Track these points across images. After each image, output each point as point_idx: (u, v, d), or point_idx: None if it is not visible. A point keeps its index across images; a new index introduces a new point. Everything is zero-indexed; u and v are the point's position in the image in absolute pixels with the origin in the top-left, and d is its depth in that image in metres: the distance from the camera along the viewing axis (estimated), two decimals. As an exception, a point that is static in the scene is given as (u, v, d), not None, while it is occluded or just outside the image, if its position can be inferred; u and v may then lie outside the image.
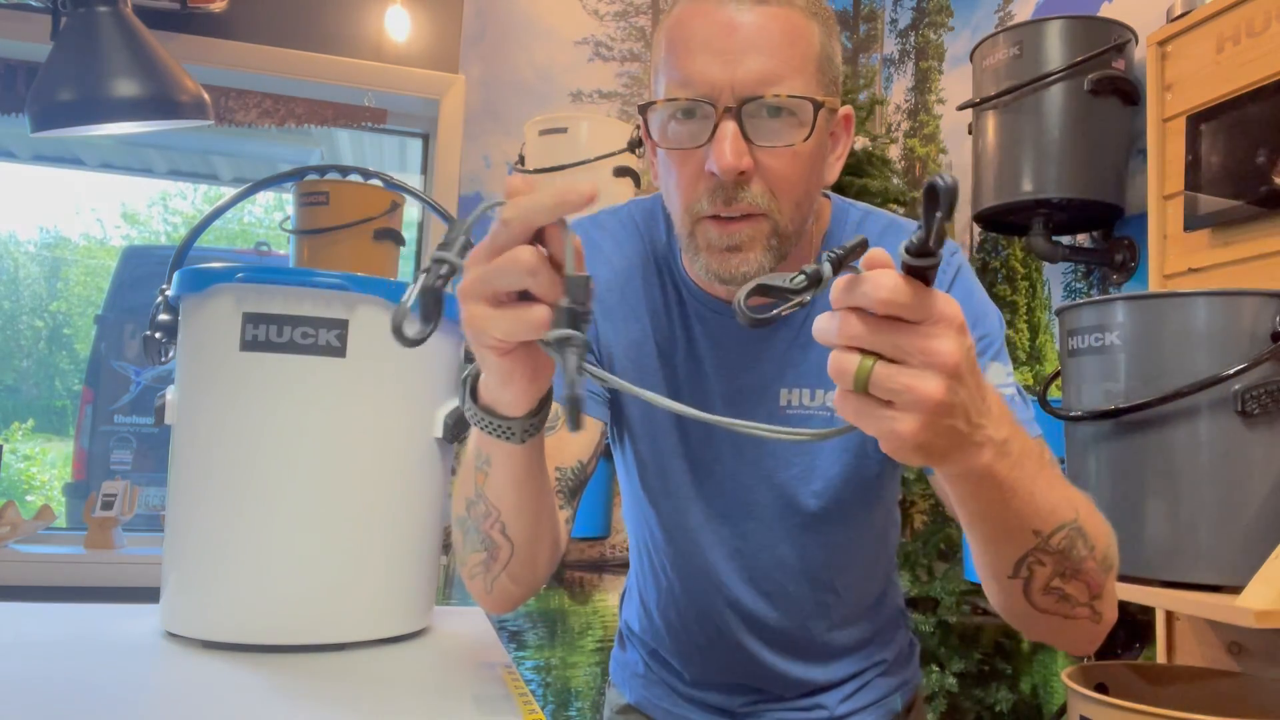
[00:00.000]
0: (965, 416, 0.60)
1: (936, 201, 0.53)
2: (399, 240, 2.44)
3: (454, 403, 1.01)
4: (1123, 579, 1.34)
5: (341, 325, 0.90)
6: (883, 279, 0.55)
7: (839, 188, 2.30)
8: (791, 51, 0.82)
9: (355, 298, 0.91)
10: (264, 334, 0.88)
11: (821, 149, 0.87)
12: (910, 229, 0.85)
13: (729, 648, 1.06)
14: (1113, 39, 1.87)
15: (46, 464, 6.23)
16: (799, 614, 1.04)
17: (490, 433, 0.72)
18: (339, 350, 0.90)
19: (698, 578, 1.04)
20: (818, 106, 0.82)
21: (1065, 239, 2.09)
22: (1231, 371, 1.25)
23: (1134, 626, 1.86)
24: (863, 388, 0.57)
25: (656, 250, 0.99)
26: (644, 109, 0.85)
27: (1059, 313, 1.48)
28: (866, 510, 1.02)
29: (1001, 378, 0.94)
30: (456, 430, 0.98)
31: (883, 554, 1.10)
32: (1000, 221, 2.07)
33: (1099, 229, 2.04)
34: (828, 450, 0.97)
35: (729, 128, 0.80)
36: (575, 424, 0.59)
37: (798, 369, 0.95)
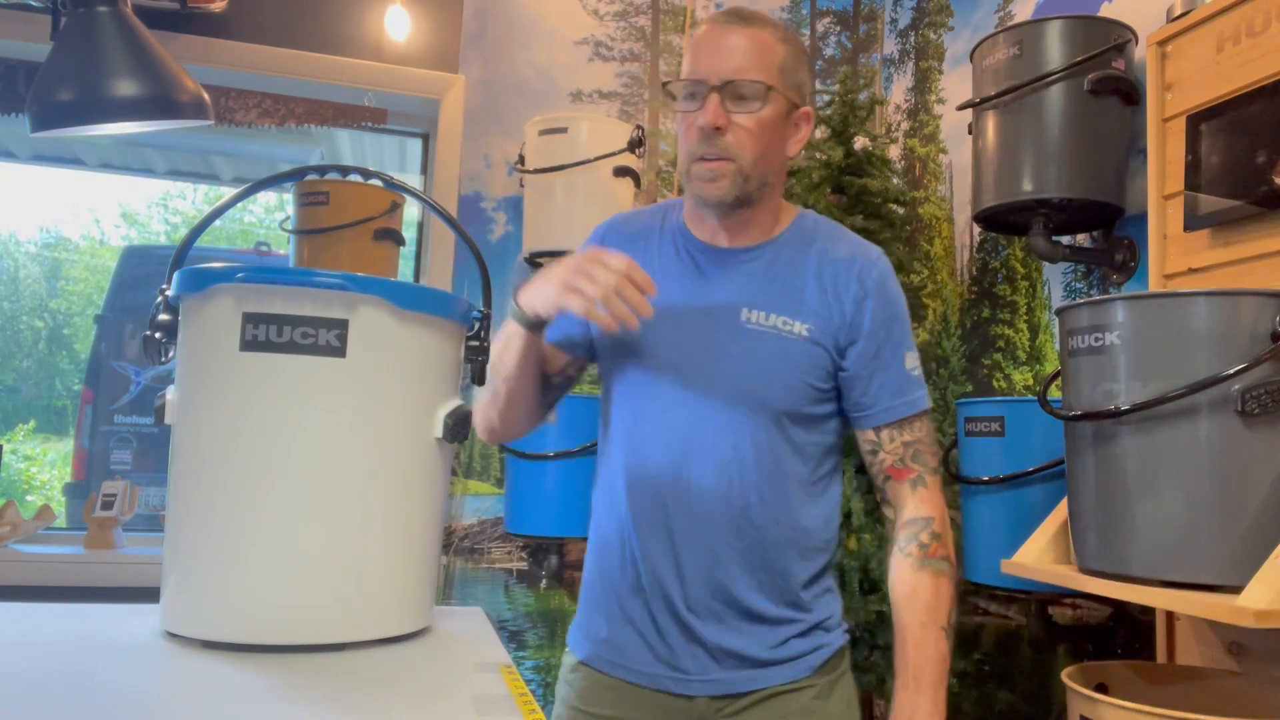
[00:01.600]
0: None
1: None
2: (399, 240, 2.44)
3: (454, 402, 1.01)
4: (1123, 579, 1.34)
5: (342, 325, 0.90)
6: None
7: (840, 188, 2.31)
8: (759, 57, 1.26)
9: (355, 298, 0.91)
10: (264, 334, 0.88)
11: (777, 124, 1.28)
12: (856, 257, 1.32)
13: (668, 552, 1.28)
14: (1113, 39, 1.87)
15: (46, 464, 6.23)
16: (723, 511, 1.27)
17: (518, 320, 1.22)
18: (339, 350, 0.90)
19: (648, 470, 1.29)
20: (768, 89, 1.26)
21: (1065, 239, 2.09)
22: (1231, 371, 1.25)
23: (1134, 626, 1.86)
24: None
25: (669, 221, 1.41)
26: (666, 85, 1.32)
27: (1059, 313, 1.48)
28: (791, 431, 1.29)
29: (913, 363, 1.33)
30: (456, 430, 0.98)
31: (807, 505, 1.31)
32: (1000, 221, 2.07)
33: (1099, 229, 2.04)
34: (778, 371, 1.28)
35: (714, 98, 1.25)
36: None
37: (756, 297, 1.30)
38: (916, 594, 1.24)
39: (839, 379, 1.30)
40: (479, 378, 1.11)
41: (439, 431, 0.98)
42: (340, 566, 0.92)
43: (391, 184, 1.40)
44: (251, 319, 0.89)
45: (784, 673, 1.28)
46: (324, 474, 0.91)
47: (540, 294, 1.19)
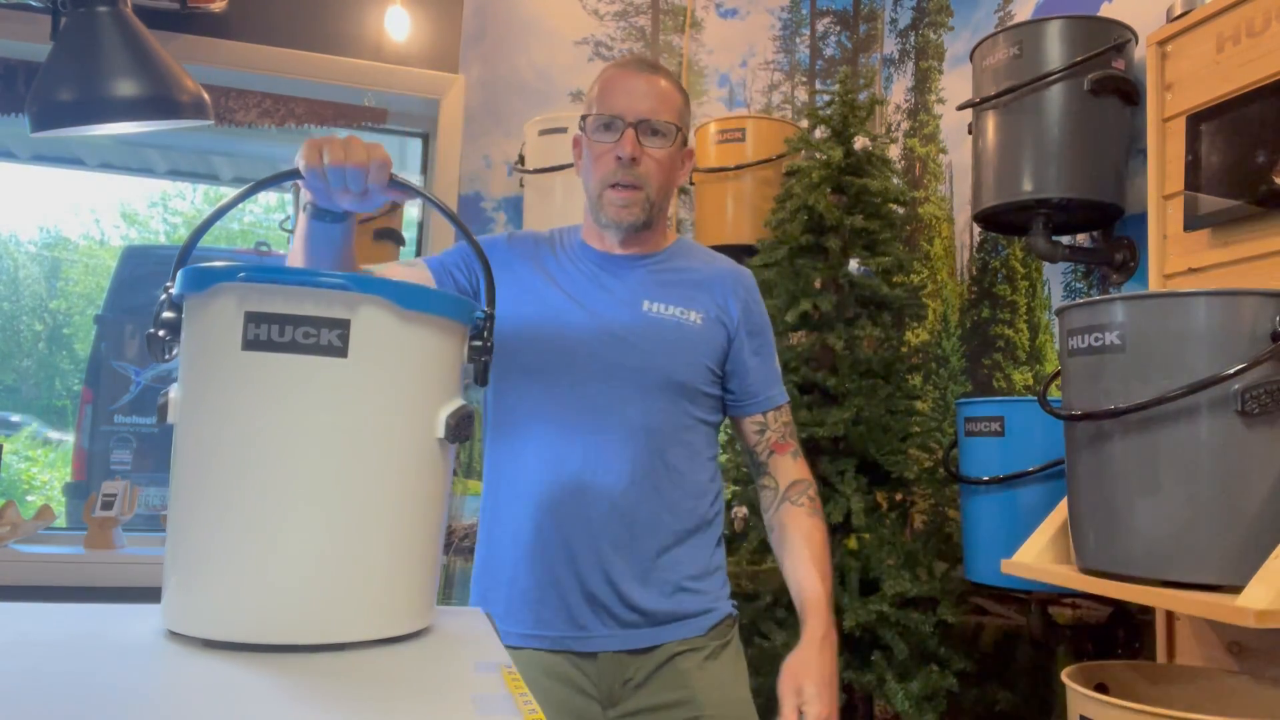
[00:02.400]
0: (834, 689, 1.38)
1: None
2: (399, 240, 2.44)
3: (457, 403, 1.01)
4: (1123, 578, 1.34)
5: (343, 325, 0.90)
6: None
7: (840, 188, 2.31)
8: (666, 101, 1.47)
9: (357, 298, 0.91)
10: (266, 333, 0.88)
11: (675, 160, 1.49)
12: (735, 270, 1.57)
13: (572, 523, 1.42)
14: (1113, 39, 1.87)
15: (47, 464, 6.22)
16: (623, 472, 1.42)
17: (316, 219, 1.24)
18: (340, 350, 0.89)
19: (566, 444, 1.43)
20: (678, 129, 1.48)
21: (1065, 239, 2.09)
22: (1231, 371, 1.25)
23: (1134, 626, 1.86)
24: None
25: (565, 239, 1.57)
26: (584, 118, 1.49)
27: (1059, 312, 1.48)
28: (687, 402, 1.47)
29: (780, 357, 1.61)
30: (458, 431, 0.98)
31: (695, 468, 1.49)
32: (1000, 221, 2.07)
33: (1099, 229, 2.04)
34: (680, 351, 1.47)
35: (630, 133, 1.44)
36: None
37: (655, 292, 1.49)
38: (814, 534, 1.48)
39: (726, 371, 1.51)
40: (481, 378, 1.11)
41: (441, 432, 0.98)
42: (342, 566, 0.91)
43: (394, 182, 1.40)
44: (254, 318, 0.88)
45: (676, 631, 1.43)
46: (326, 474, 0.91)
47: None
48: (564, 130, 2.46)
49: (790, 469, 1.53)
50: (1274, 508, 1.26)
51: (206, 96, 1.44)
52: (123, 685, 0.78)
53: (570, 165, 2.39)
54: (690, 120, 1.53)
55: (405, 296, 0.93)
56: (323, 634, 0.90)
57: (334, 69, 2.65)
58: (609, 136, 1.44)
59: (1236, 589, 1.19)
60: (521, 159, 2.57)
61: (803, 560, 1.44)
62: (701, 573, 1.47)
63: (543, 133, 2.49)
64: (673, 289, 1.49)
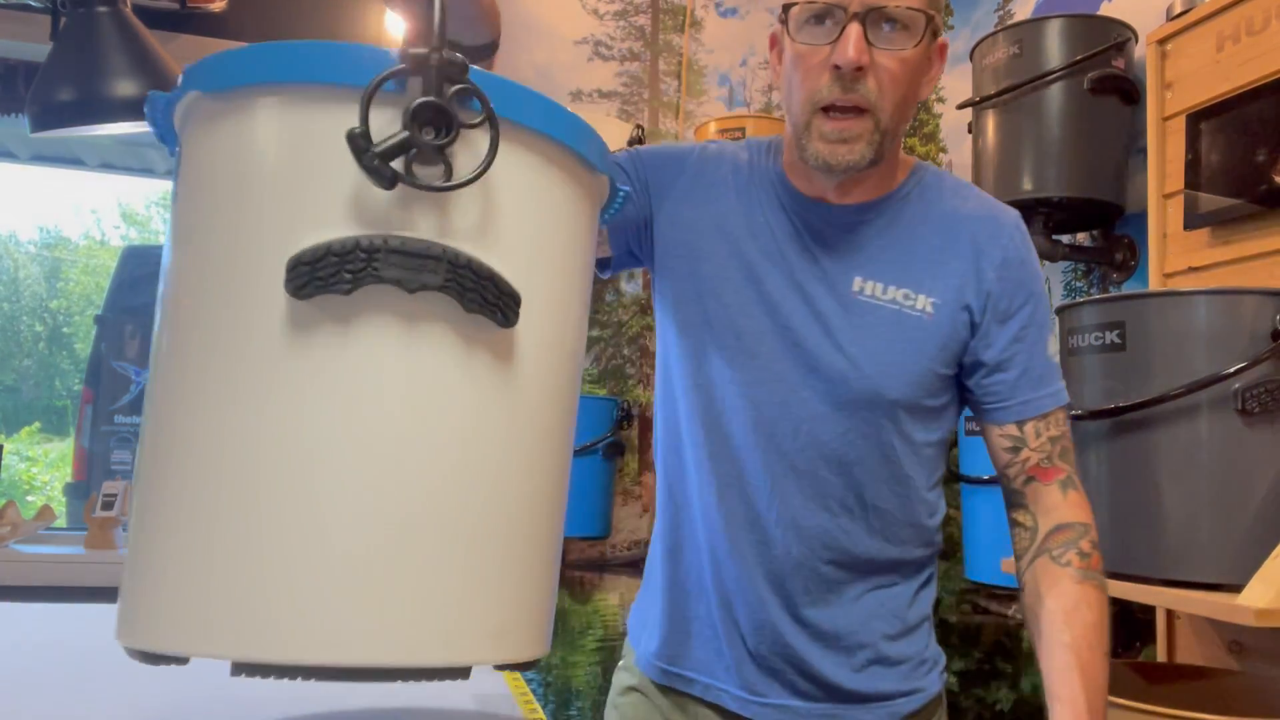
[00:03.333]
0: None
1: None
2: None
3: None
4: (1123, 577, 1.34)
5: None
6: None
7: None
8: None
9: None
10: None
11: (923, 63, 1.04)
12: (996, 217, 1.08)
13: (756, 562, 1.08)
14: (1112, 38, 1.87)
15: (47, 464, 6.23)
16: (824, 513, 1.08)
17: None
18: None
19: (736, 468, 1.09)
20: (929, 19, 1.01)
21: (1065, 238, 2.09)
22: (1232, 370, 1.25)
23: (1134, 625, 1.86)
24: None
25: (761, 166, 1.14)
26: (786, 8, 1.01)
27: (1059, 311, 1.48)
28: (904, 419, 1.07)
29: (1054, 346, 1.10)
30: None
31: (912, 506, 1.11)
32: (1000, 220, 2.07)
33: (1099, 228, 2.04)
34: (898, 355, 1.05)
35: (854, 29, 0.96)
36: None
37: (875, 262, 1.06)
38: (1081, 610, 1.01)
39: (964, 363, 1.08)
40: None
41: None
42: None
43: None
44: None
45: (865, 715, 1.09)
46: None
47: None
48: (564, 130, 2.46)
49: (1058, 506, 1.06)
50: (1274, 506, 1.26)
51: (206, 96, 1.44)
52: (122, 685, 0.78)
53: (570, 165, 2.38)
54: (941, 1, 1.08)
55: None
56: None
57: (334, 69, 2.65)
58: (823, 34, 0.98)
59: (1237, 588, 1.19)
60: (521, 158, 2.57)
61: (1058, 650, 1.00)
62: (901, 630, 1.11)
63: (542, 132, 2.49)
64: (900, 257, 1.06)
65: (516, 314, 0.59)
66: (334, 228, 0.57)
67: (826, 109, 0.99)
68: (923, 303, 1.05)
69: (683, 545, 1.14)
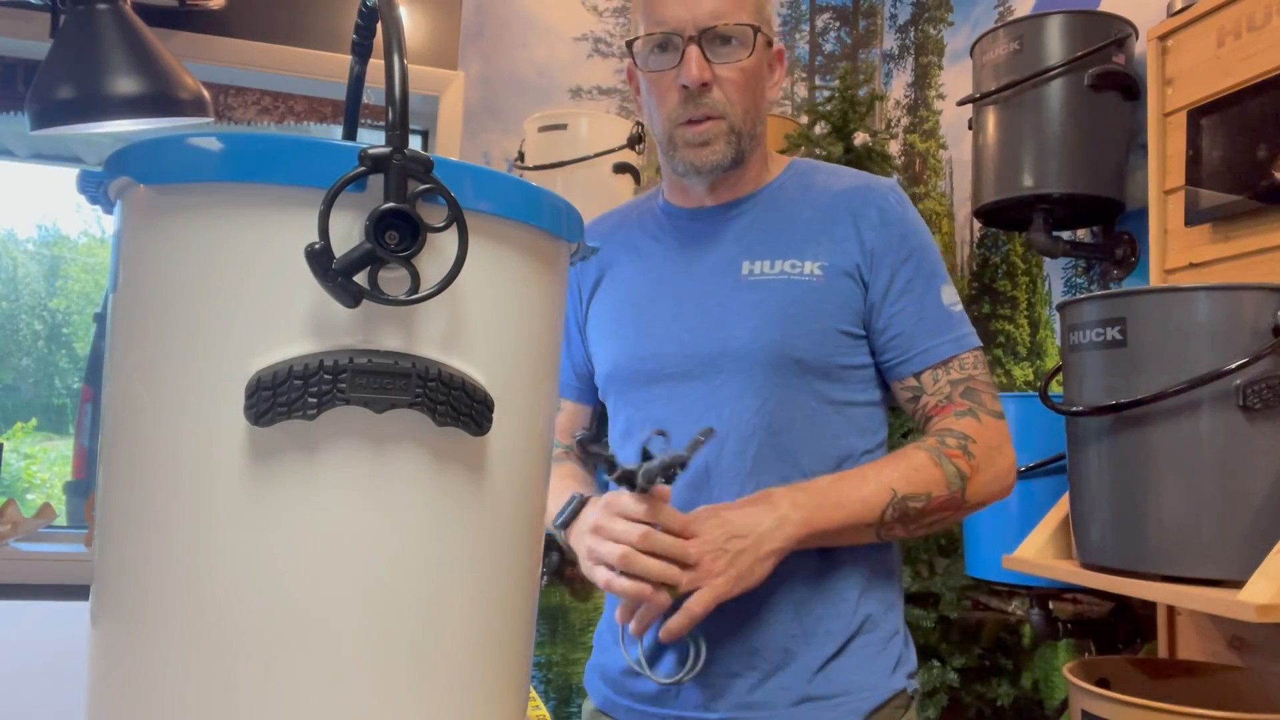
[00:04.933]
0: (739, 558, 0.98)
1: (652, 457, 0.96)
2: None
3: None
4: (1124, 573, 1.34)
5: None
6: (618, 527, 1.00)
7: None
8: None
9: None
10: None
11: (761, 69, 1.13)
12: (869, 185, 1.16)
13: None
14: (1113, 33, 1.86)
15: (47, 462, 6.23)
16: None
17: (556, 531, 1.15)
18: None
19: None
20: (756, 31, 1.10)
21: (1065, 234, 2.09)
22: (1233, 366, 1.25)
23: (1136, 621, 1.86)
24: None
25: (647, 205, 1.27)
26: (630, 44, 1.14)
27: (1060, 308, 1.48)
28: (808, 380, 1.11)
29: (950, 296, 1.14)
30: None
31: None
32: (1000, 216, 2.07)
33: (1099, 224, 2.04)
34: (795, 318, 1.11)
35: (693, 51, 1.08)
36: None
37: (759, 244, 1.14)
38: (909, 455, 1.06)
39: (871, 330, 1.12)
40: None
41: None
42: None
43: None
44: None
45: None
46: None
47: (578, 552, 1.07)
48: (564, 127, 2.46)
49: (948, 426, 1.08)
50: (1275, 502, 1.26)
51: (206, 94, 1.44)
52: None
53: (570, 163, 2.39)
54: (769, 14, 1.16)
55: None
56: None
57: (333, 66, 2.65)
58: (667, 60, 1.09)
59: (1238, 584, 1.19)
60: (521, 156, 2.57)
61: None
62: (853, 632, 1.09)
63: (542, 129, 2.49)
64: (780, 235, 1.13)
65: (490, 419, 0.56)
66: (294, 345, 0.53)
67: (686, 123, 1.11)
68: (810, 268, 1.11)
69: None
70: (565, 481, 1.19)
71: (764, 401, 1.09)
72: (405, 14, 2.71)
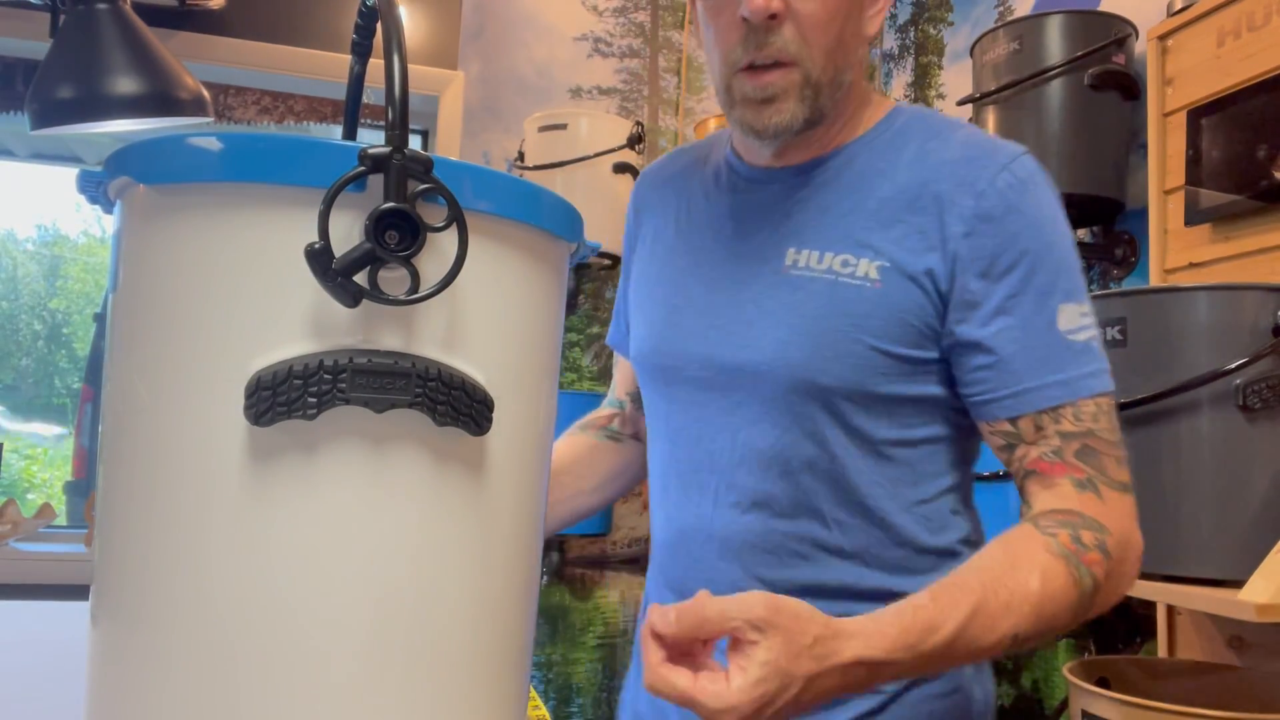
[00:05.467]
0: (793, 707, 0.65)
1: None
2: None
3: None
4: (1124, 574, 1.34)
5: None
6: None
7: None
8: None
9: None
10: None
11: (850, 1, 0.86)
12: (974, 158, 0.86)
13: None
14: (1113, 33, 1.86)
15: (47, 462, 6.23)
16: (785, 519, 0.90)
17: None
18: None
19: (667, 496, 0.98)
20: None
21: (1065, 234, 2.09)
22: (1233, 366, 1.25)
23: (1135, 621, 1.86)
24: None
25: (717, 152, 1.03)
26: None
27: (1060, 308, 1.48)
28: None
29: (1075, 320, 0.84)
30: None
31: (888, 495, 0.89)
32: (1000, 217, 2.07)
33: (1099, 224, 2.04)
34: (830, 334, 0.86)
35: None
36: None
37: (808, 231, 0.89)
38: (1027, 556, 0.75)
39: (943, 345, 0.85)
40: None
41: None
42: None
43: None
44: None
45: None
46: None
47: None
48: (564, 126, 2.46)
49: (1065, 499, 0.81)
50: (1275, 502, 1.26)
51: (206, 94, 1.44)
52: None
53: (570, 162, 2.39)
54: None
55: None
56: None
57: (333, 65, 2.65)
58: None
59: (1238, 583, 1.19)
60: (521, 155, 2.57)
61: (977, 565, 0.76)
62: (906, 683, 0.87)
63: (542, 129, 2.49)
64: (841, 219, 0.87)
65: (490, 419, 0.55)
66: (294, 344, 0.52)
67: (747, 69, 0.84)
68: (865, 268, 0.85)
69: None
70: (592, 458, 1.10)
71: (782, 433, 0.87)
72: (405, 14, 2.71)
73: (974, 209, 0.84)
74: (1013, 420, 0.84)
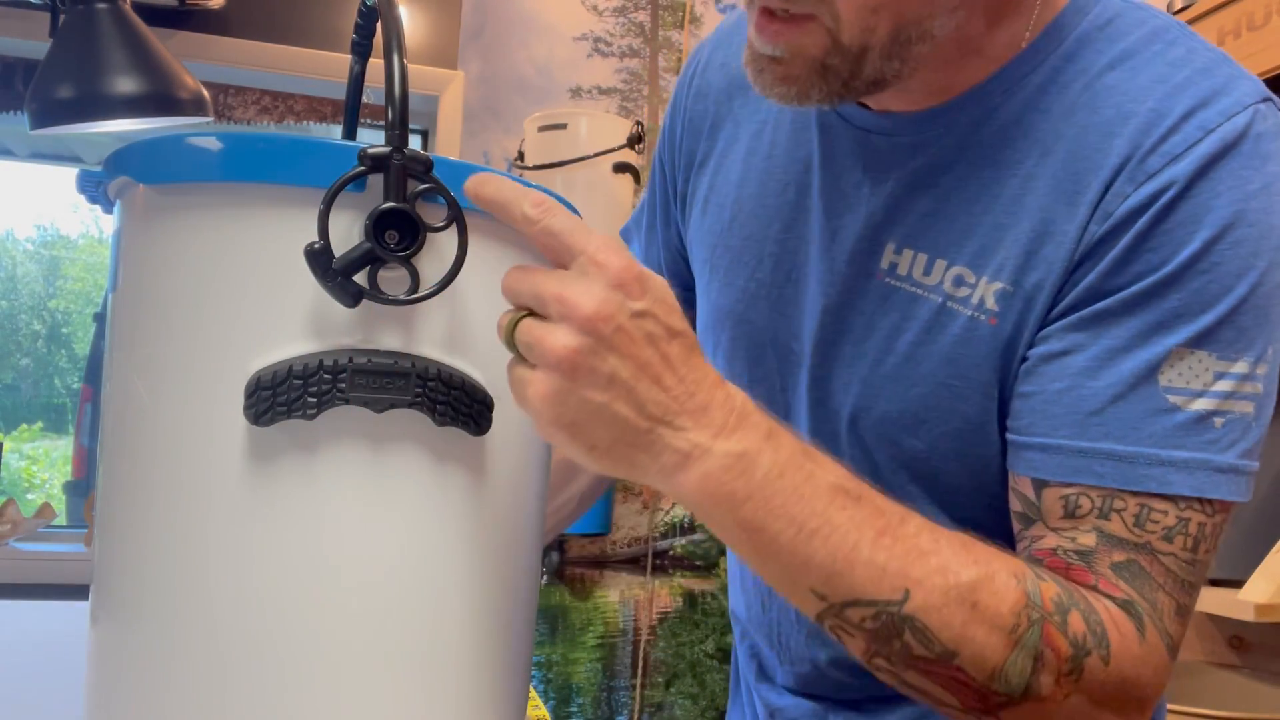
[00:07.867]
0: (625, 396, 0.49)
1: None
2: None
3: None
4: (1124, 573, 1.34)
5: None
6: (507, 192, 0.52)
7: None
8: None
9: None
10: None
11: None
12: (1151, 116, 0.57)
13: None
14: (1113, 33, 1.87)
15: (47, 462, 6.24)
16: None
17: None
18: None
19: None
20: None
21: (1065, 234, 2.09)
22: (1232, 366, 1.25)
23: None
24: (512, 347, 0.53)
25: None
26: None
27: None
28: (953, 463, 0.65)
29: (1196, 378, 0.57)
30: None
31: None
32: (1000, 216, 2.07)
33: (1099, 224, 2.04)
34: (929, 383, 0.63)
35: None
36: None
37: (922, 218, 0.63)
38: (992, 574, 0.55)
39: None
40: None
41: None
42: None
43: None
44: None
45: None
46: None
47: None
48: (564, 126, 2.46)
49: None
50: (1274, 503, 1.26)
51: (206, 94, 1.44)
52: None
53: (570, 162, 2.39)
54: None
55: None
56: None
57: (333, 65, 2.65)
58: None
59: (1237, 583, 1.20)
60: (521, 155, 2.57)
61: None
62: None
63: (542, 129, 2.49)
64: (968, 208, 0.61)
65: (490, 419, 0.55)
66: (293, 344, 0.52)
67: (764, 12, 0.58)
68: (985, 292, 0.59)
69: None
70: None
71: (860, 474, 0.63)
72: (405, 14, 2.71)
73: (1131, 195, 0.56)
74: (1037, 485, 0.59)
